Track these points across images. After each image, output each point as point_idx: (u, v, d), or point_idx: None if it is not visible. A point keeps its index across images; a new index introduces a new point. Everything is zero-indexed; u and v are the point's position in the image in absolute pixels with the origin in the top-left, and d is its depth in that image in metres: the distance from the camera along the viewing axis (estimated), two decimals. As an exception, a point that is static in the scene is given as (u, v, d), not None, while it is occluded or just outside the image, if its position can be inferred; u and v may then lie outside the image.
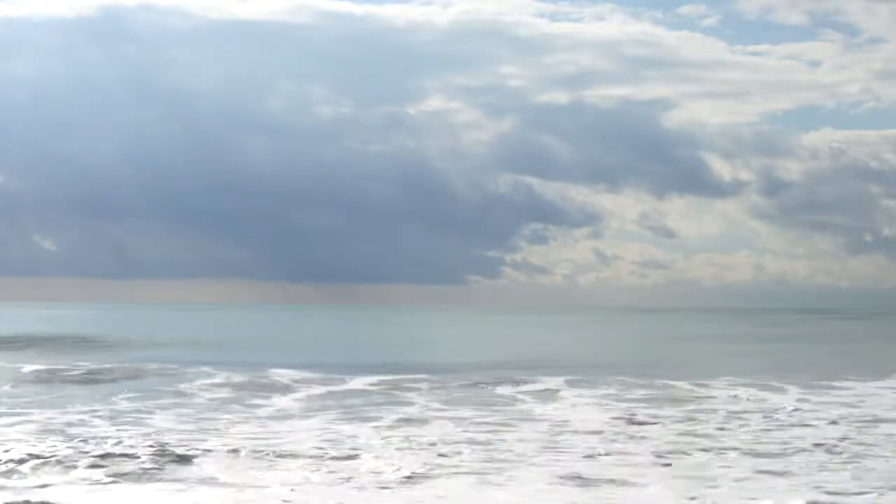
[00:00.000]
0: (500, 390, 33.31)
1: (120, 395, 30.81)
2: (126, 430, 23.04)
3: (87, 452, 19.56)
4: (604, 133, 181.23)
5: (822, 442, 22.04)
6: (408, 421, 25.42)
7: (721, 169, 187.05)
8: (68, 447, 20.14)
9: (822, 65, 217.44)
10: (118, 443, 20.84)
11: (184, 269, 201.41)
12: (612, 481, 17.48)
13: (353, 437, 22.42)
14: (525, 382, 35.64)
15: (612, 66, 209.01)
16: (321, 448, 20.62)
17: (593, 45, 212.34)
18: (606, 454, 20.29)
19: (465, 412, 27.10)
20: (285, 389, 33.30)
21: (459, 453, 20.14)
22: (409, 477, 17.65)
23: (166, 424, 24.32)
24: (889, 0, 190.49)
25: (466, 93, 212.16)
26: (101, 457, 19.15)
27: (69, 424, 24.10)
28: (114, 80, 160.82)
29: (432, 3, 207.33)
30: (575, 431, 23.62)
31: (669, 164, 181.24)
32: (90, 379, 37.07)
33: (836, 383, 35.24)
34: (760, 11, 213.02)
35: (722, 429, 24.16)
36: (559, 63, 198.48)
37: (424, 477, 17.70)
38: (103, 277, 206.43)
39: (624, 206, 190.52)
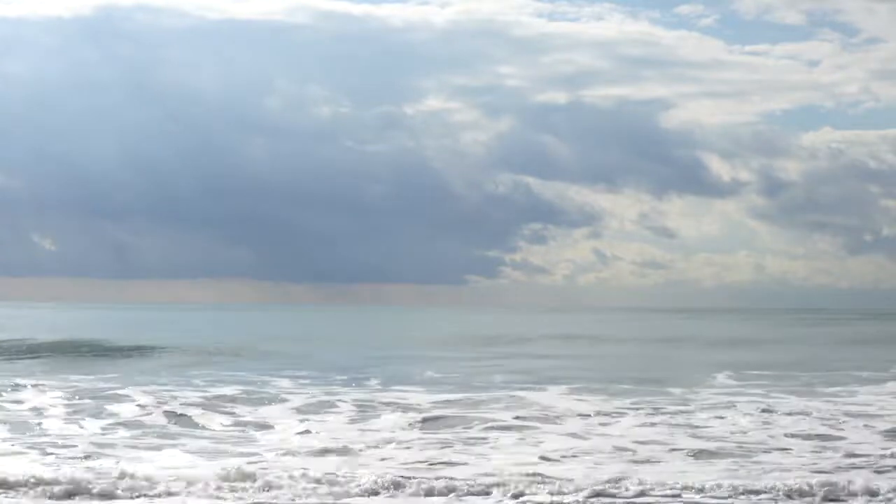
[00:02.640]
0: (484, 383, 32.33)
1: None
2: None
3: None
4: (602, 133, 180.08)
5: (813, 434, 21.55)
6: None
7: (720, 169, 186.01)
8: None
9: (820, 64, 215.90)
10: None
11: (184, 269, 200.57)
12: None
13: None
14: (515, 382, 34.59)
15: (611, 66, 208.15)
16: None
17: (591, 44, 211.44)
18: (577, 455, 19.52)
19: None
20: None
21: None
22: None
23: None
24: (888, 0, 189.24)
25: (464, 92, 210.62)
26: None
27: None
28: (111, 79, 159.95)
29: (429, 2, 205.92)
30: (548, 422, 22.95)
31: (668, 164, 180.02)
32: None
33: (836, 384, 34.23)
34: (758, 11, 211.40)
35: (707, 426, 23.28)
36: (557, 63, 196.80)
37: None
38: (103, 277, 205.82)
39: (623, 206, 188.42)
